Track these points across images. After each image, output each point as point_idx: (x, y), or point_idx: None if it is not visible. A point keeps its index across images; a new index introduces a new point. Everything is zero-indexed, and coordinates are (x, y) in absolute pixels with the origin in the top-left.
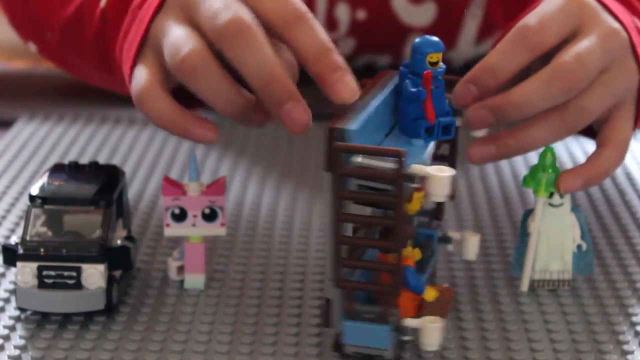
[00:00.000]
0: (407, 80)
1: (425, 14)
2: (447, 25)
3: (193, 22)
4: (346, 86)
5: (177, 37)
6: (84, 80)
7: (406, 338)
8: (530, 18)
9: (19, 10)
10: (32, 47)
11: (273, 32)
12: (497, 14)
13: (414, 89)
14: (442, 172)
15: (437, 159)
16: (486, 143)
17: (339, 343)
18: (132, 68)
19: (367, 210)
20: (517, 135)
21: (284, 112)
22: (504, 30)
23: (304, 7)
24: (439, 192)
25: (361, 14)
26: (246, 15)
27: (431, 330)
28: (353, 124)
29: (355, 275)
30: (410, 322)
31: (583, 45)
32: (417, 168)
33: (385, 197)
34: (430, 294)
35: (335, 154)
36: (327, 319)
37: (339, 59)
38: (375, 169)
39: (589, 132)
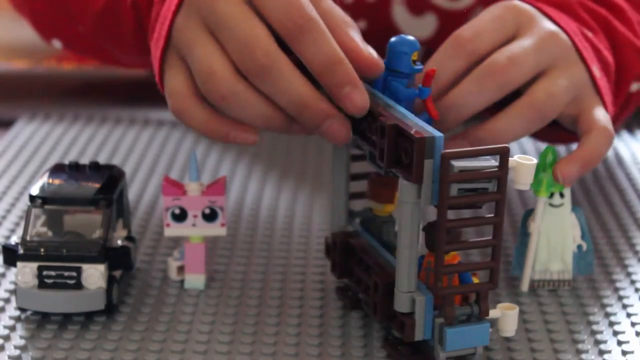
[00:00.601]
0: (393, 82)
1: (425, 26)
2: (447, 37)
3: (214, 34)
4: (357, 98)
5: (202, 60)
6: (122, 66)
7: (490, 329)
8: (465, 27)
9: (43, 8)
10: (57, 43)
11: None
12: None
13: (412, 90)
14: (529, 161)
15: None
16: (457, 139)
17: (424, 354)
18: (160, 70)
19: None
20: (489, 128)
21: (323, 131)
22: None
23: (308, 15)
24: (526, 180)
25: (361, 24)
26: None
27: (510, 317)
28: (435, 132)
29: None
30: (493, 313)
31: (516, 45)
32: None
33: (488, 196)
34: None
35: (445, 162)
36: (411, 332)
37: (345, 72)
38: (481, 169)
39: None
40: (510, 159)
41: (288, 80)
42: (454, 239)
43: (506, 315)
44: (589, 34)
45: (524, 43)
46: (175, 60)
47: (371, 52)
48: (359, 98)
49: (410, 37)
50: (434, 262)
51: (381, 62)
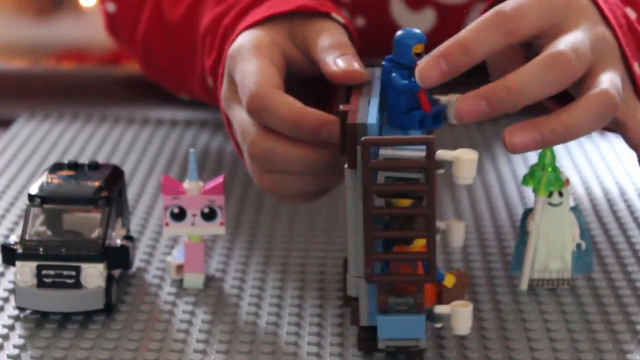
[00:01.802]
0: (394, 74)
1: (424, 21)
2: (446, 32)
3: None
4: (336, 131)
5: (237, 117)
6: None
7: (437, 325)
8: (508, 3)
9: (163, 79)
10: (185, 96)
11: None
12: None
13: (406, 81)
14: (469, 155)
15: None
16: (527, 129)
17: (366, 340)
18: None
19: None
20: (563, 120)
21: (324, 137)
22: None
23: (260, 92)
24: (467, 174)
25: (360, 21)
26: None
27: (462, 315)
28: (370, 118)
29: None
30: (440, 308)
31: (576, 38)
32: (443, 153)
33: (416, 186)
34: (449, 280)
35: (365, 148)
36: (356, 317)
37: (314, 117)
38: (406, 158)
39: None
40: (450, 152)
41: (277, 107)
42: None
43: (458, 313)
44: (632, 15)
45: (581, 38)
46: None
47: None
48: (336, 130)
49: (416, 30)
50: (364, 248)
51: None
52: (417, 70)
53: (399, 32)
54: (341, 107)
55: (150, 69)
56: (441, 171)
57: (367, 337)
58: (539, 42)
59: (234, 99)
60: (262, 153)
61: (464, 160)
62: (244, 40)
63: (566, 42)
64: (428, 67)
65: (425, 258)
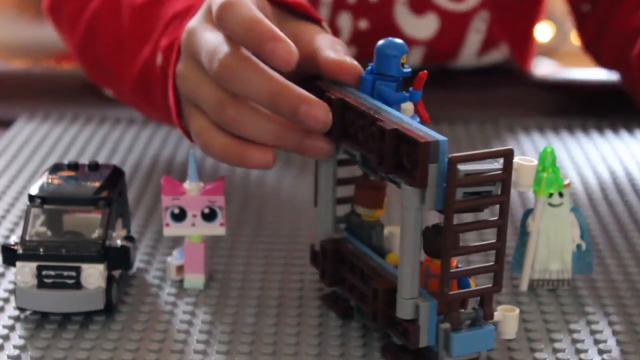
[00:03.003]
0: (383, 86)
1: (427, 26)
2: (449, 39)
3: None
4: (283, 50)
5: (209, 95)
6: (161, 122)
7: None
8: None
9: (93, 65)
10: (109, 92)
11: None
12: (502, 24)
13: (403, 92)
14: (530, 162)
15: None
16: None
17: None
18: (180, 121)
19: None
20: None
21: (301, 117)
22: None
23: (268, 26)
24: (527, 182)
25: (363, 24)
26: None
27: (511, 320)
28: (438, 135)
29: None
30: (496, 316)
31: None
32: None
33: (494, 198)
34: (472, 285)
35: (452, 166)
36: (416, 339)
37: (266, 28)
38: (487, 172)
39: None
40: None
41: (253, 76)
42: (455, 243)
43: (507, 318)
44: None
45: None
46: (189, 108)
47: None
48: (284, 50)
49: (399, 40)
50: (441, 267)
51: (357, 67)
52: None
53: (382, 43)
54: (379, 123)
55: (85, 54)
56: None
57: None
58: None
59: (192, 69)
60: (237, 114)
61: (525, 167)
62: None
63: None
64: None
65: (497, 270)
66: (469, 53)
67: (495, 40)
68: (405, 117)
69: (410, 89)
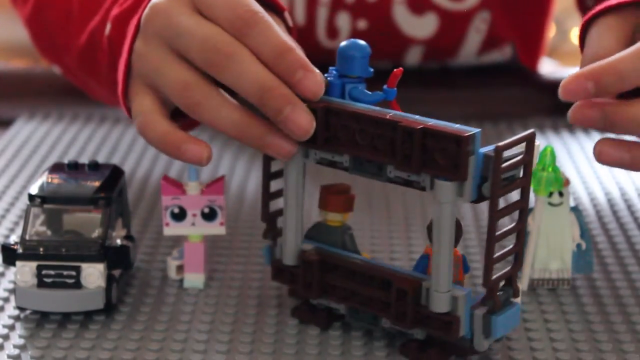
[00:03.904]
0: (355, 88)
1: (426, 26)
2: (449, 38)
3: (177, 50)
4: (311, 81)
5: (174, 76)
6: (105, 103)
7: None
8: None
9: (42, 37)
10: (57, 69)
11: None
12: (504, 24)
13: (377, 92)
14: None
15: None
16: (621, 147)
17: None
18: (125, 98)
19: None
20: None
21: (284, 118)
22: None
23: (253, 8)
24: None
25: (362, 24)
26: (225, 36)
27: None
28: (468, 128)
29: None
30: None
31: None
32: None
33: (518, 182)
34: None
35: (498, 156)
36: (456, 330)
37: (298, 57)
38: (513, 158)
39: None
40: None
41: (249, 65)
42: (459, 233)
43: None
44: None
45: None
46: (140, 87)
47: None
48: (313, 82)
49: (361, 42)
50: (486, 254)
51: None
52: (561, 85)
53: (347, 45)
54: (401, 124)
55: (34, 26)
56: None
57: (438, 352)
58: None
59: (155, 48)
60: (204, 98)
61: (536, 147)
62: None
63: None
64: (575, 86)
65: (518, 250)
66: (469, 52)
67: (497, 41)
68: (409, 114)
69: (385, 87)
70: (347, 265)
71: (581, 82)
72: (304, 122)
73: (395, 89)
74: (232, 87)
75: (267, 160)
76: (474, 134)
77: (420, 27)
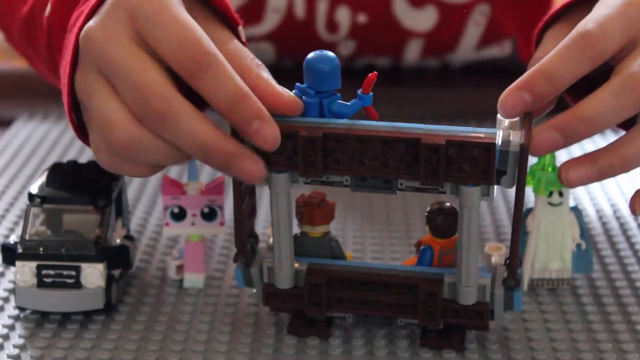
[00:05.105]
0: (334, 103)
1: (426, 19)
2: (448, 31)
3: (111, 83)
4: (268, 131)
5: (101, 111)
6: (42, 76)
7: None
8: (591, 24)
9: None
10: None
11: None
12: (505, 19)
13: (354, 100)
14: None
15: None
16: (584, 164)
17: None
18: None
19: None
20: (621, 153)
21: (252, 130)
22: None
23: (206, 49)
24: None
25: (362, 18)
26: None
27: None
28: (485, 130)
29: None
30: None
31: None
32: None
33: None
34: None
35: (525, 152)
36: (488, 316)
37: (254, 105)
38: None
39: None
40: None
41: (187, 125)
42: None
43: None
44: None
45: None
46: (85, 112)
47: (288, 92)
48: (270, 132)
49: (329, 53)
50: (513, 242)
51: (300, 101)
52: (499, 102)
53: (314, 59)
54: (425, 141)
55: None
56: None
57: (460, 337)
58: (616, 56)
59: (97, 88)
60: (131, 141)
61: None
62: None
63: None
64: (511, 100)
65: (515, 236)
66: (468, 46)
67: (497, 35)
68: (402, 124)
69: (359, 92)
70: (356, 278)
71: (516, 94)
72: (255, 171)
73: (372, 94)
74: (201, 95)
75: (238, 185)
76: (493, 140)
77: (419, 20)
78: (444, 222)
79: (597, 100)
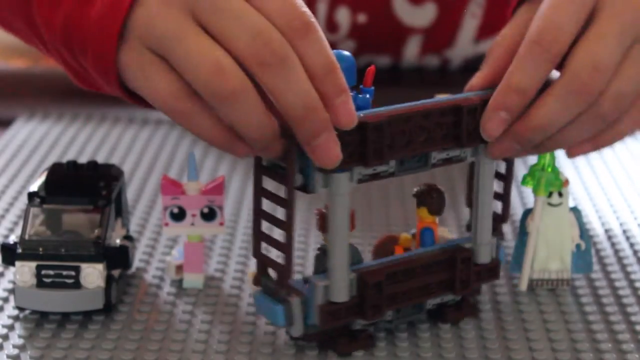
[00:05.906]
0: (353, 97)
1: (425, 15)
2: (446, 25)
3: (207, 25)
4: (348, 112)
5: (203, 54)
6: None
7: None
8: (543, 23)
9: None
10: None
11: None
12: (500, 10)
13: (363, 97)
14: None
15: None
16: (506, 141)
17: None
18: (115, 66)
19: None
20: (556, 140)
21: (317, 145)
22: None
23: (310, 14)
24: None
25: (362, 17)
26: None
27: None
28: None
29: None
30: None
31: (597, 46)
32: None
33: None
34: None
35: None
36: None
37: (343, 80)
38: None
39: None
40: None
41: (300, 77)
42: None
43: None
44: None
45: (604, 39)
46: (147, 56)
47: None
48: (350, 109)
49: (345, 52)
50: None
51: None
52: (481, 128)
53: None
54: (462, 103)
55: None
56: None
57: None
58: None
59: (189, 28)
60: (242, 90)
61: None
62: None
63: (586, 59)
64: (491, 123)
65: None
66: (466, 39)
67: (493, 27)
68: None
69: (361, 87)
70: (403, 269)
71: (494, 117)
72: (334, 153)
73: (373, 87)
74: (271, 93)
75: (259, 179)
76: None
77: (419, 16)
78: (439, 198)
79: (545, 108)
